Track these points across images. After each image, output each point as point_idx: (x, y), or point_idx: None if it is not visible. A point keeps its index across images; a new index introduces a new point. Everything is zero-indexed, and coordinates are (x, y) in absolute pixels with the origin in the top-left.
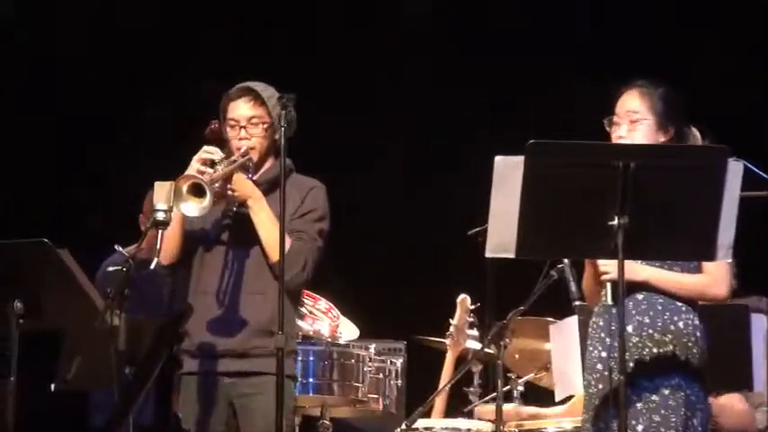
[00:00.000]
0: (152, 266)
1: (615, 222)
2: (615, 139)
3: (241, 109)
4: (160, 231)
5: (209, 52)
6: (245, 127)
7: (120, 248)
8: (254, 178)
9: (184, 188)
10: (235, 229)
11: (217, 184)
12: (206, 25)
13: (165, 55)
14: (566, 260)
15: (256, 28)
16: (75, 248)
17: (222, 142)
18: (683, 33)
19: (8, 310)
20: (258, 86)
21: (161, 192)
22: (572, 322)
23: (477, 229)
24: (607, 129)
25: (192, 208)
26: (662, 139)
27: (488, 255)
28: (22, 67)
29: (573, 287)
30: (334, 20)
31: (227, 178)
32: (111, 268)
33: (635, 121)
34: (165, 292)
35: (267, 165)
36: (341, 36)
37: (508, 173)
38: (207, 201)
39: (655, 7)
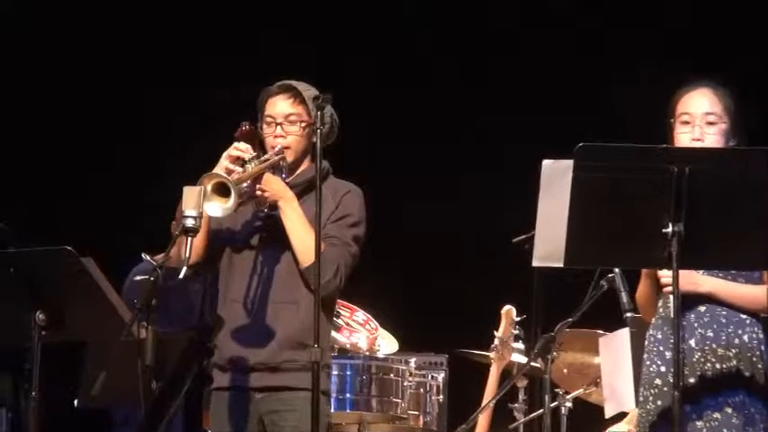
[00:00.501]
0: (181, 275)
1: (669, 230)
2: (684, 142)
3: (279, 106)
4: (189, 239)
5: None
6: (281, 124)
7: (148, 256)
8: (288, 180)
9: (209, 187)
10: (265, 232)
11: (245, 184)
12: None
13: (197, 61)
14: (616, 269)
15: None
16: (100, 257)
17: (254, 144)
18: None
19: (30, 321)
20: (300, 85)
21: (191, 196)
22: (623, 335)
23: (524, 236)
24: (670, 130)
25: (216, 208)
26: (731, 143)
27: (535, 264)
28: (49, 70)
29: (624, 298)
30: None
31: (258, 178)
32: (137, 277)
33: (712, 123)
34: (195, 303)
35: (303, 167)
36: (379, 35)
37: (556, 177)
38: (231, 201)
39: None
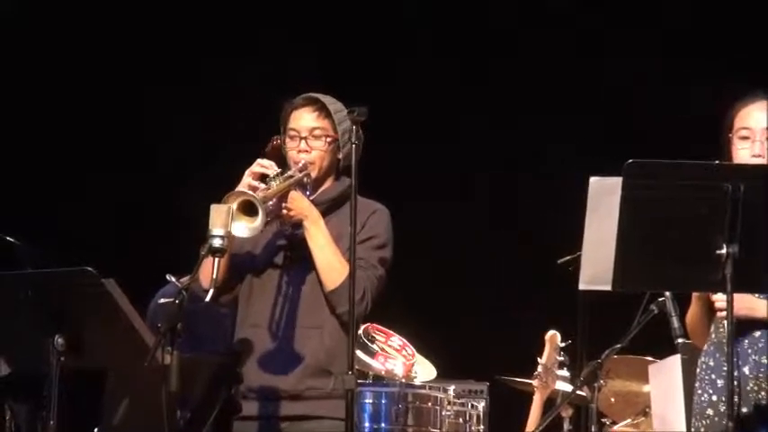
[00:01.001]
0: (207, 298)
1: (723, 251)
2: (744, 158)
3: (304, 119)
4: (216, 260)
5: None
6: (305, 138)
7: (173, 278)
8: (312, 198)
9: (234, 205)
10: (288, 253)
11: (270, 202)
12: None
13: (224, 80)
14: (667, 293)
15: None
16: (123, 278)
17: (277, 160)
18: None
19: (48, 345)
20: (325, 98)
21: (217, 215)
22: (674, 362)
23: (569, 257)
24: (728, 144)
25: (242, 228)
26: None
27: (582, 287)
28: (50, 75)
29: (675, 323)
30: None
31: (283, 195)
32: (162, 300)
33: None
34: (225, 328)
35: (327, 184)
36: (422, 61)
37: (604, 196)
38: (259, 220)
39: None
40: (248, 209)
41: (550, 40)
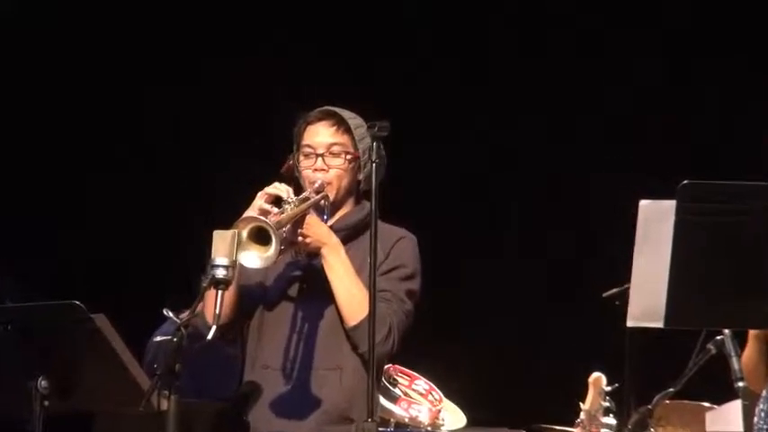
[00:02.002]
0: (209, 336)
1: None
2: None
3: (321, 134)
4: (220, 292)
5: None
6: (322, 156)
7: (171, 313)
8: (330, 223)
9: (244, 233)
10: (304, 285)
11: (285, 229)
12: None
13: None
14: (726, 331)
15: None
16: (118, 313)
17: (298, 183)
18: None
19: (30, 388)
20: (345, 112)
21: (221, 243)
22: (734, 408)
23: (616, 290)
24: None
25: (254, 258)
26: None
27: (630, 324)
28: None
29: (736, 364)
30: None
31: (299, 221)
32: (158, 338)
33: None
34: (231, 370)
35: (346, 208)
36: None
37: (656, 221)
38: (272, 250)
39: None
40: (260, 236)
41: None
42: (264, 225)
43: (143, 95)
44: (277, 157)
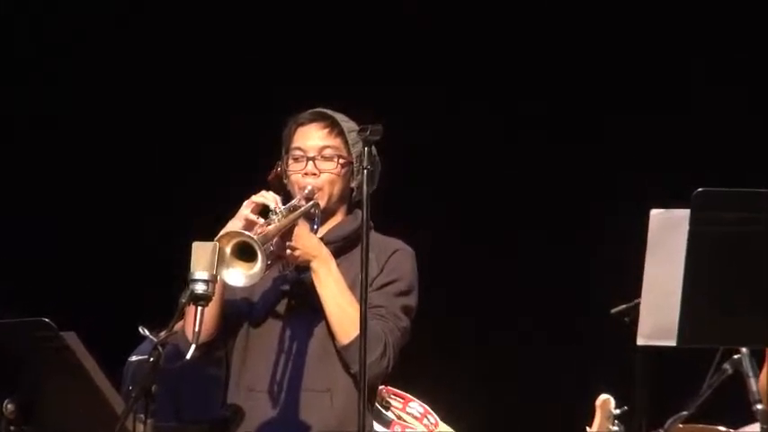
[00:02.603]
0: (188, 356)
1: None
2: None
3: (312, 137)
4: (199, 309)
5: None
6: (313, 159)
7: (146, 331)
8: (320, 234)
9: (228, 248)
10: (293, 301)
11: (272, 242)
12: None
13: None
14: (744, 349)
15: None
16: (91, 331)
17: (280, 190)
18: None
19: None
20: (338, 115)
21: (201, 255)
22: None
23: (625, 306)
24: None
25: (238, 276)
26: None
27: (640, 342)
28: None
29: (754, 385)
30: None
31: (287, 232)
32: (133, 358)
33: None
34: (214, 392)
35: (337, 218)
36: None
37: (668, 231)
38: (258, 266)
39: None
40: (245, 252)
41: None
42: (249, 240)
43: (121, 108)
44: (258, 163)
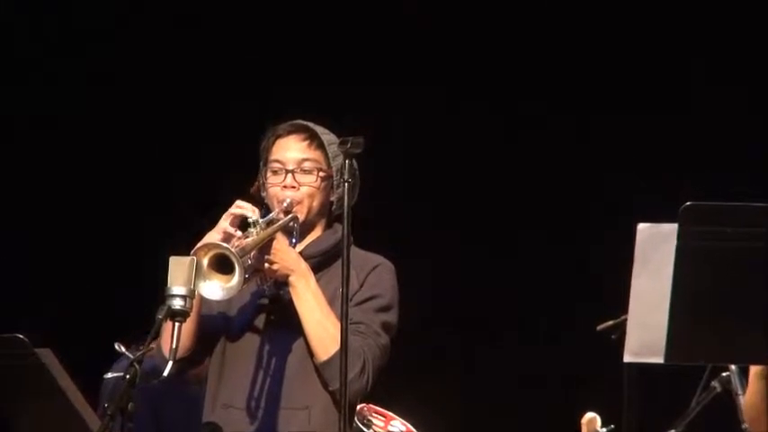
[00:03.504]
0: (165, 373)
1: None
2: None
3: (291, 149)
4: (177, 325)
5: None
6: (293, 172)
7: (122, 348)
8: (299, 249)
9: (205, 261)
10: (271, 316)
11: (250, 255)
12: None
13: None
14: (733, 367)
15: None
16: (66, 348)
17: (259, 203)
18: None
19: None
20: (317, 127)
21: (178, 270)
22: None
23: (612, 322)
24: None
25: (215, 289)
26: None
27: (627, 359)
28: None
29: (743, 403)
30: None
31: (265, 246)
32: (108, 375)
33: None
34: (193, 410)
35: (316, 232)
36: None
37: (655, 246)
38: (235, 279)
39: None
40: (222, 264)
41: None
42: (227, 252)
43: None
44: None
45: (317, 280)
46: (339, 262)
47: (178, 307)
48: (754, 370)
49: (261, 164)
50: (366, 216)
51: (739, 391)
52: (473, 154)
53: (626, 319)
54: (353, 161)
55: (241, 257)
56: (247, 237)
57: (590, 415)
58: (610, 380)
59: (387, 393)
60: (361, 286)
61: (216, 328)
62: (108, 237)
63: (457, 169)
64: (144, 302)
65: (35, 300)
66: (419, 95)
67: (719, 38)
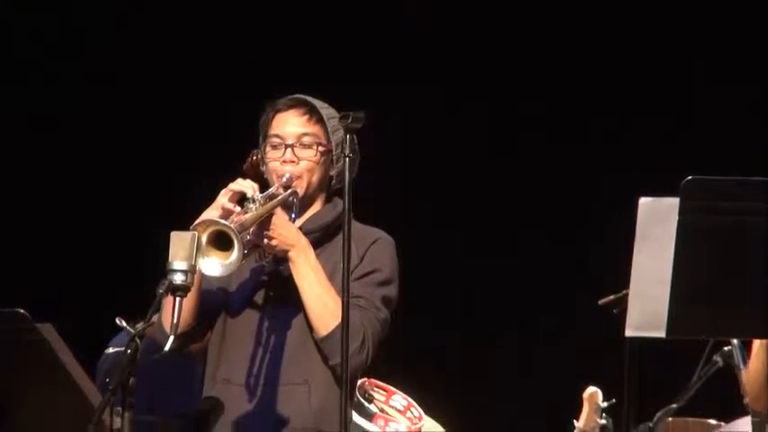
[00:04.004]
0: (167, 348)
1: None
2: None
3: (291, 124)
4: (178, 300)
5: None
6: (292, 146)
7: (124, 322)
8: (299, 224)
9: (204, 237)
10: (270, 291)
11: (249, 231)
12: None
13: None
14: (734, 341)
15: None
16: (67, 323)
17: (263, 180)
18: None
19: None
20: (317, 102)
21: (179, 245)
22: (744, 425)
23: (613, 296)
24: None
25: (214, 266)
26: None
27: (629, 334)
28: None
29: (745, 377)
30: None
31: (264, 221)
32: (110, 350)
33: None
34: (194, 385)
35: (316, 207)
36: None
37: (657, 221)
38: (234, 256)
39: None
40: (221, 241)
41: None
42: (225, 229)
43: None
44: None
45: (317, 255)
46: (339, 237)
47: (179, 282)
48: (757, 343)
49: (260, 138)
50: (366, 216)
51: (741, 365)
52: (473, 154)
53: (627, 294)
54: (354, 136)
55: (240, 233)
56: (246, 212)
57: (591, 389)
58: (611, 354)
59: (389, 368)
60: (361, 260)
61: (216, 303)
62: (108, 220)
63: (457, 169)
64: (145, 279)
65: (36, 275)
66: (419, 95)
67: (719, 37)
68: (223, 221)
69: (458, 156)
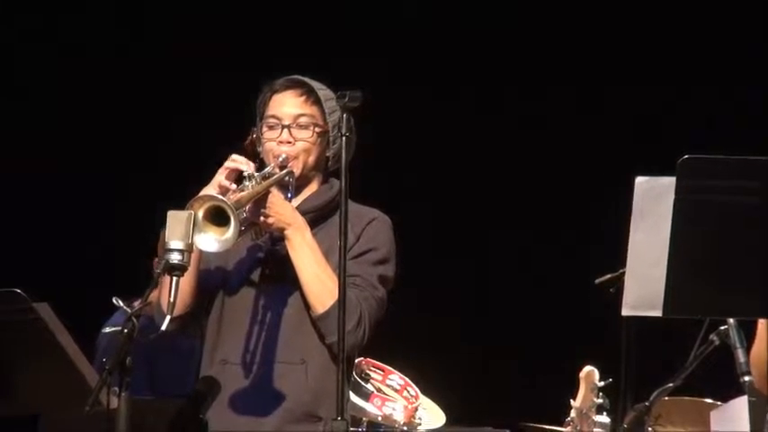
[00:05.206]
0: (164, 327)
1: None
2: None
3: (287, 104)
4: (175, 279)
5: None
6: (288, 127)
7: (121, 302)
8: (295, 204)
9: (200, 213)
10: (267, 270)
11: (245, 208)
12: None
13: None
14: (731, 320)
15: None
16: (64, 303)
17: (254, 157)
18: None
19: None
20: (314, 82)
21: (176, 224)
22: (740, 405)
23: (610, 275)
24: None
25: (210, 241)
26: None
27: (625, 313)
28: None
29: (742, 357)
30: None
31: (261, 199)
32: (107, 329)
33: None
34: (190, 365)
35: (312, 187)
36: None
37: (653, 200)
38: (231, 232)
39: None
40: (218, 216)
41: None
42: (222, 204)
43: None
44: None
45: (314, 235)
46: (336, 216)
47: (176, 261)
48: (762, 323)
49: (257, 119)
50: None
51: (737, 345)
52: (473, 153)
53: (624, 273)
54: (350, 115)
55: (236, 210)
56: (243, 190)
57: (588, 368)
58: (608, 333)
59: (386, 348)
60: (358, 240)
61: (213, 283)
62: (106, 199)
63: (456, 169)
64: (141, 258)
65: (32, 254)
66: (419, 95)
67: (719, 38)
68: (220, 197)
69: (457, 155)
